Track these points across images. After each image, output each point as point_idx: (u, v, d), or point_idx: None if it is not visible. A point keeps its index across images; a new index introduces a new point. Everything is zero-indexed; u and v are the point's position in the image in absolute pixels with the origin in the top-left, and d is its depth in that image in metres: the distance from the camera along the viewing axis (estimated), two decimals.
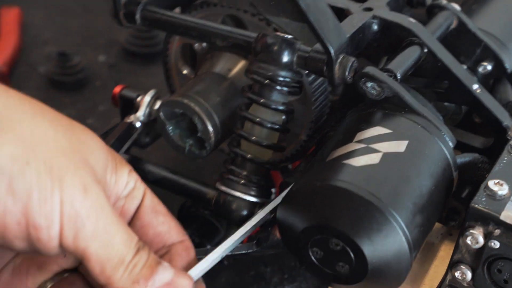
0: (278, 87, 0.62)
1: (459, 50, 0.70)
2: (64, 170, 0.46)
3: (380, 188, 0.53)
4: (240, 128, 0.64)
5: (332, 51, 0.58)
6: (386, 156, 0.55)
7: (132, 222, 0.54)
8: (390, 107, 0.60)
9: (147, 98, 0.71)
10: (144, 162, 0.70)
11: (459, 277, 0.57)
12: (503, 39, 0.71)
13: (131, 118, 0.70)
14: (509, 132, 0.63)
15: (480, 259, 0.56)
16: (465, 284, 0.57)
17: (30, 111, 0.47)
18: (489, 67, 0.69)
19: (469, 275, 0.57)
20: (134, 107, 0.72)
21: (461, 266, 0.57)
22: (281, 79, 0.61)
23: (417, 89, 0.66)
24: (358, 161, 0.55)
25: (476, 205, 0.54)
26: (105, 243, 0.48)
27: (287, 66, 0.61)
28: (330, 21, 0.59)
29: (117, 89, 0.73)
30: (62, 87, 0.97)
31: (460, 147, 0.66)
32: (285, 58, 0.61)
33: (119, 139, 0.67)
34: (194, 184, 0.67)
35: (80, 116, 0.93)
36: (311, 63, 0.60)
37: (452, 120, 0.68)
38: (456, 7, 0.71)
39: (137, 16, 0.69)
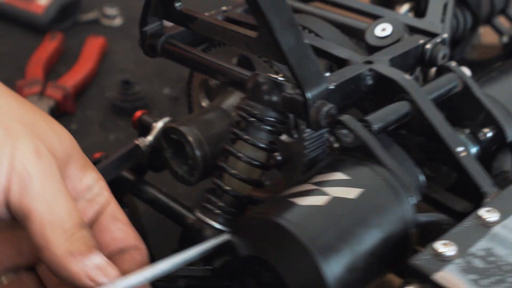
0: (262, 125, 0.64)
1: (463, 113, 0.70)
2: (21, 134, 0.50)
3: (315, 228, 0.54)
4: (222, 161, 0.66)
5: (308, 95, 0.60)
6: (334, 200, 0.56)
7: (92, 226, 0.57)
8: (359, 156, 0.61)
9: (160, 124, 0.75)
10: (144, 182, 0.74)
11: None
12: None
13: (139, 140, 0.74)
14: (485, 199, 0.62)
15: None
16: None
17: (5, 93, 0.53)
18: (490, 134, 0.68)
19: None
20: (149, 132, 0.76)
21: None
22: (265, 118, 0.64)
23: (408, 146, 0.66)
24: (303, 201, 0.56)
25: (415, 262, 0.54)
26: (50, 206, 0.50)
27: (272, 106, 0.64)
28: (311, 67, 0.61)
29: (138, 113, 0.78)
30: (120, 111, 1.04)
31: (441, 208, 0.65)
32: (271, 98, 0.64)
33: (122, 157, 0.72)
34: (179, 208, 0.70)
35: (128, 138, 0.99)
36: (291, 105, 0.62)
37: (443, 182, 0.68)
38: (466, 71, 0.71)
39: (158, 48, 0.73)
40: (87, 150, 0.60)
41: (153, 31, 0.73)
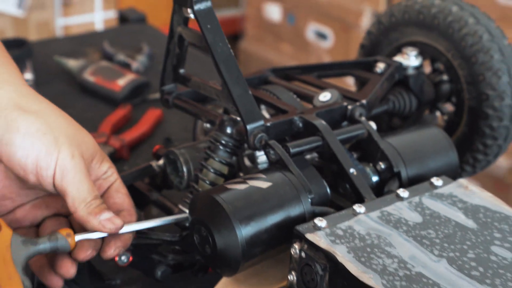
0: (224, 148, 0.98)
1: (368, 153, 1.01)
2: (64, 143, 0.83)
3: (233, 201, 0.86)
4: (199, 172, 1.00)
5: (248, 127, 0.94)
6: (250, 187, 0.88)
7: (104, 195, 0.91)
8: (278, 167, 0.93)
9: None
10: (152, 192, 1.07)
11: (291, 280, 0.87)
12: (401, 151, 1.00)
13: (153, 163, 1.08)
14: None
15: (299, 266, 0.85)
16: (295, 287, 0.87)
17: (57, 114, 0.87)
18: (383, 166, 0.99)
19: (295, 279, 0.87)
20: None
21: (292, 273, 0.87)
22: (225, 143, 0.97)
23: (323, 170, 0.98)
24: (231, 186, 0.88)
25: (297, 228, 0.85)
26: (77, 187, 0.83)
27: (230, 135, 0.97)
28: (252, 109, 0.94)
29: (156, 147, 1.12)
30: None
31: (335, 207, 0.96)
32: (229, 130, 0.97)
33: (138, 171, 1.06)
34: (170, 204, 1.03)
35: None
36: (240, 133, 0.96)
37: (351, 197, 0.98)
38: (372, 124, 1.02)
39: (170, 102, 1.09)
40: None
41: (168, 90, 1.09)
